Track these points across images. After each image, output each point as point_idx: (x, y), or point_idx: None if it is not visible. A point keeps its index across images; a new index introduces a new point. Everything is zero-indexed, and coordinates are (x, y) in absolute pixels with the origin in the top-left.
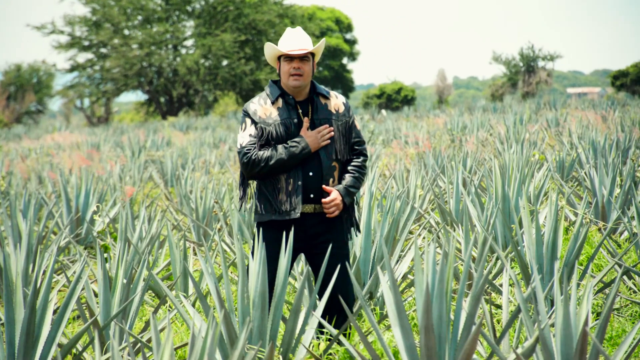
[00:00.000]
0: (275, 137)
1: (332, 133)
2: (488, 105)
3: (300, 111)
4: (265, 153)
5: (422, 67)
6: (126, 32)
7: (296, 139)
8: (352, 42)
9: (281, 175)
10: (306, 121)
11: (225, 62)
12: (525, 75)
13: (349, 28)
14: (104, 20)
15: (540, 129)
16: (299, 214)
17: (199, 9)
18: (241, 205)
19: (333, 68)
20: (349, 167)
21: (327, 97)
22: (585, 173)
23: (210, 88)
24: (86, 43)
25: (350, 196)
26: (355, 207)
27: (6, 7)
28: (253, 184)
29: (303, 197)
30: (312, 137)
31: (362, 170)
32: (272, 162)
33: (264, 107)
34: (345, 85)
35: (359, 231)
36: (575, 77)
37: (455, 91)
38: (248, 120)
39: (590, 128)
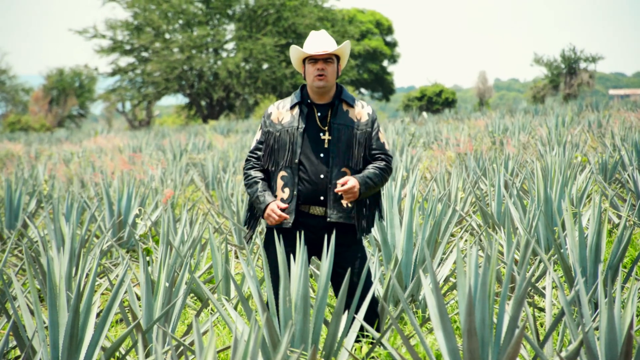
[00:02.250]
0: (278, 142)
1: (287, 217)
2: (529, 107)
3: (318, 114)
4: (250, 180)
5: (463, 69)
6: (167, 36)
7: (265, 199)
8: (392, 45)
9: (279, 184)
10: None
11: (265, 66)
12: (566, 77)
13: (389, 30)
14: (145, 24)
15: (583, 131)
16: (289, 224)
17: (239, 12)
18: (247, 223)
19: (373, 71)
20: (371, 165)
21: (350, 105)
22: (628, 175)
23: (251, 91)
24: (127, 47)
25: (366, 187)
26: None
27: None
28: None
29: (313, 199)
30: (269, 211)
31: (383, 169)
32: (247, 190)
33: (279, 111)
34: (385, 87)
35: (382, 218)
36: (617, 78)
37: (496, 93)
38: (261, 124)
39: (633, 130)
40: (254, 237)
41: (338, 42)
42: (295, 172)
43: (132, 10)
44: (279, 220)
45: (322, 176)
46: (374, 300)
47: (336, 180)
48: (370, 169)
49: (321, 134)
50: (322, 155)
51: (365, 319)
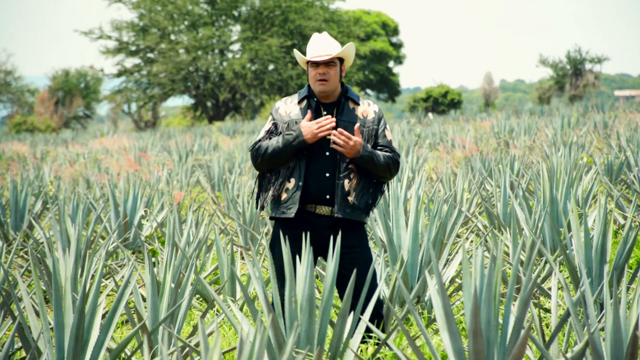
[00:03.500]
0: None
1: (333, 124)
2: (535, 108)
3: (324, 113)
4: (264, 143)
5: (469, 71)
6: (173, 37)
7: (293, 128)
8: (398, 46)
9: (284, 173)
10: (330, 120)
11: (271, 67)
12: (572, 78)
13: (395, 31)
14: (151, 25)
15: (588, 132)
16: (293, 214)
17: (245, 13)
18: (256, 203)
19: (379, 72)
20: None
21: (356, 103)
22: (634, 176)
23: (257, 92)
24: (133, 48)
25: (368, 155)
26: (379, 196)
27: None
28: (265, 181)
29: (319, 198)
30: (307, 128)
31: (390, 157)
32: (270, 150)
33: (288, 105)
34: (391, 88)
35: (375, 207)
36: (622, 79)
37: (502, 94)
38: (270, 117)
39: (638, 131)
40: (265, 206)
41: (343, 44)
42: (303, 165)
43: (138, 11)
44: (325, 126)
45: (327, 174)
46: (379, 302)
47: (343, 178)
48: (378, 151)
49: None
50: (327, 153)
51: (370, 320)
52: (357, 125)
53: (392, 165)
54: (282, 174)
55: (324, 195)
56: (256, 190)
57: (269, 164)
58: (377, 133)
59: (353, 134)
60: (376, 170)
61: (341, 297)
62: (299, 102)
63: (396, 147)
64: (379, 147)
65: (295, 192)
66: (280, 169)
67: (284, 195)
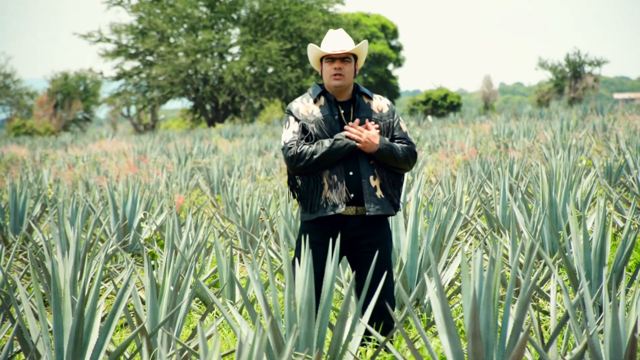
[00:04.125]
0: (318, 133)
1: (378, 127)
2: (534, 111)
3: (342, 111)
4: (311, 147)
5: (468, 73)
6: (172, 40)
7: (343, 133)
8: (397, 49)
9: (324, 173)
10: (357, 121)
11: (271, 70)
12: (571, 81)
13: (394, 34)
14: (150, 28)
15: (587, 135)
16: (343, 209)
17: (244, 16)
18: (296, 199)
19: (378, 74)
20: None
21: (370, 98)
22: (633, 178)
23: (256, 95)
24: (132, 51)
25: (386, 146)
26: (395, 191)
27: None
28: (299, 182)
29: (344, 197)
30: (346, 136)
31: (407, 148)
32: (317, 155)
33: (306, 105)
34: (390, 91)
35: (399, 209)
36: (622, 82)
37: (501, 97)
38: (291, 118)
39: (637, 133)
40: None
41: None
42: (341, 164)
43: (137, 14)
44: (359, 132)
45: (351, 173)
46: (392, 303)
47: (367, 175)
48: (395, 142)
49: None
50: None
51: (388, 324)
52: (367, 121)
53: (410, 157)
54: (324, 175)
55: (349, 195)
56: (293, 189)
57: (314, 168)
58: (394, 126)
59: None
60: (395, 162)
61: (358, 295)
62: (315, 101)
63: (412, 139)
64: (396, 140)
65: (340, 188)
66: (314, 175)
67: (328, 194)
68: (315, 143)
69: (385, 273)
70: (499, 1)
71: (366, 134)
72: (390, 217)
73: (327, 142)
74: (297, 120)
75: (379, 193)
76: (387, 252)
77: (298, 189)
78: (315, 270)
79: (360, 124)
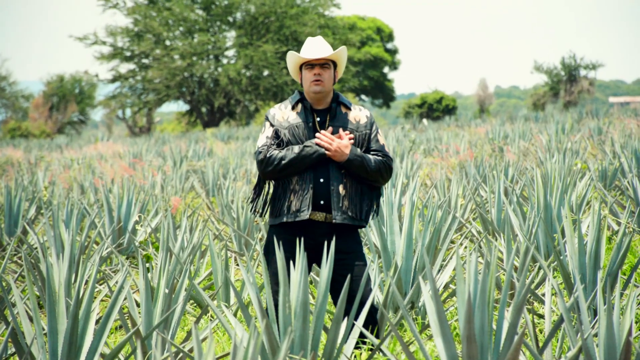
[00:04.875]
0: (290, 139)
1: (352, 137)
2: (530, 114)
3: (317, 119)
4: (280, 153)
5: (464, 77)
6: (168, 42)
7: (313, 140)
8: (393, 52)
9: (293, 178)
10: (329, 130)
11: (266, 72)
12: (567, 84)
13: (390, 37)
14: (146, 31)
15: (583, 138)
16: (307, 216)
17: (240, 19)
18: (252, 207)
19: (373, 78)
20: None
21: (348, 108)
22: (628, 182)
23: (252, 98)
24: (128, 54)
25: (357, 158)
26: (376, 199)
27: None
28: (267, 187)
29: (313, 203)
30: (316, 142)
31: (381, 162)
32: (286, 161)
33: (283, 111)
34: (386, 94)
35: (377, 214)
36: (617, 86)
37: (496, 100)
38: (267, 124)
39: (632, 137)
40: (263, 213)
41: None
42: (310, 170)
43: (133, 17)
44: (330, 140)
45: (321, 180)
46: (374, 308)
47: (336, 183)
48: (371, 154)
49: None
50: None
51: (364, 325)
52: (341, 130)
53: (384, 170)
54: (293, 180)
55: (319, 201)
56: (257, 196)
57: (281, 174)
58: (370, 137)
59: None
60: (366, 174)
61: (335, 302)
62: (293, 108)
63: (390, 152)
64: (372, 152)
65: (307, 194)
66: (284, 179)
67: (295, 200)
68: (285, 149)
69: (360, 278)
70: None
71: (337, 143)
72: (371, 225)
73: (296, 149)
74: (272, 125)
75: (347, 203)
76: (359, 258)
77: (260, 193)
78: (277, 277)
79: (333, 133)
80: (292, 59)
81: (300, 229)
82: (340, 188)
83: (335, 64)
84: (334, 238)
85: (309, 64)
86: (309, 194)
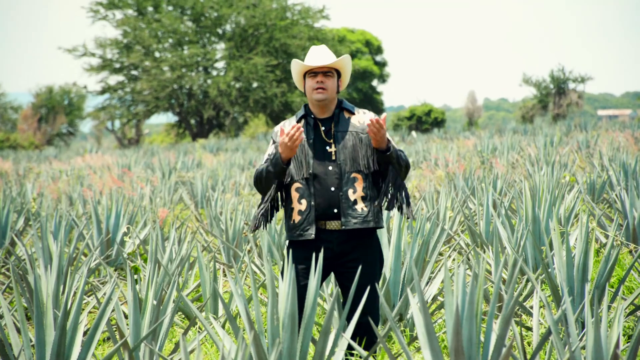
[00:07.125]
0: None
1: (301, 129)
2: (518, 127)
3: (322, 128)
4: (259, 167)
5: (452, 89)
6: (157, 54)
7: (276, 153)
8: (382, 64)
9: (293, 196)
10: (296, 127)
11: (255, 85)
12: (555, 97)
13: (379, 50)
14: (135, 43)
15: (571, 151)
16: (312, 235)
17: (230, 32)
18: (256, 223)
19: (362, 90)
20: None
21: (352, 113)
22: (616, 195)
23: (241, 110)
24: (117, 65)
25: (393, 146)
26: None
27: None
28: (272, 202)
29: (328, 213)
30: (281, 144)
31: (405, 157)
32: (264, 174)
33: (287, 127)
34: (375, 107)
35: (408, 205)
36: (605, 99)
37: (485, 113)
38: (271, 141)
39: (621, 150)
40: (260, 227)
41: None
42: (310, 183)
43: (122, 29)
44: (295, 135)
45: (332, 189)
46: (375, 320)
47: (345, 189)
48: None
49: (327, 147)
50: (330, 167)
51: (371, 338)
52: (384, 115)
53: (404, 164)
54: (295, 199)
55: (332, 210)
56: (262, 211)
57: (264, 185)
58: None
59: (351, 142)
60: (399, 165)
61: (344, 306)
62: (297, 122)
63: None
64: None
65: (309, 213)
66: (290, 191)
67: (298, 218)
68: (263, 165)
69: (372, 289)
70: (483, 17)
71: (380, 130)
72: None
73: (267, 164)
74: (274, 142)
75: (358, 206)
76: (373, 266)
77: (265, 210)
78: (300, 285)
79: (338, 139)
80: (296, 67)
81: (317, 240)
82: (350, 193)
83: (339, 73)
84: (351, 247)
85: (312, 72)
86: (312, 213)
